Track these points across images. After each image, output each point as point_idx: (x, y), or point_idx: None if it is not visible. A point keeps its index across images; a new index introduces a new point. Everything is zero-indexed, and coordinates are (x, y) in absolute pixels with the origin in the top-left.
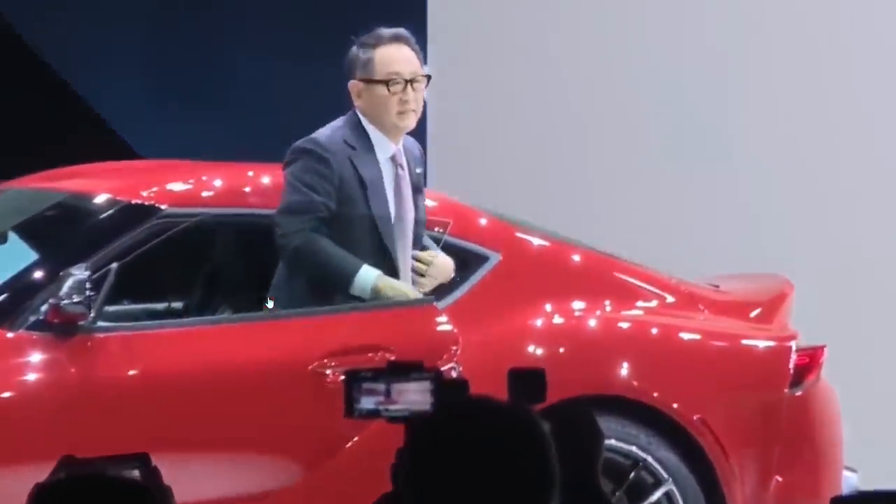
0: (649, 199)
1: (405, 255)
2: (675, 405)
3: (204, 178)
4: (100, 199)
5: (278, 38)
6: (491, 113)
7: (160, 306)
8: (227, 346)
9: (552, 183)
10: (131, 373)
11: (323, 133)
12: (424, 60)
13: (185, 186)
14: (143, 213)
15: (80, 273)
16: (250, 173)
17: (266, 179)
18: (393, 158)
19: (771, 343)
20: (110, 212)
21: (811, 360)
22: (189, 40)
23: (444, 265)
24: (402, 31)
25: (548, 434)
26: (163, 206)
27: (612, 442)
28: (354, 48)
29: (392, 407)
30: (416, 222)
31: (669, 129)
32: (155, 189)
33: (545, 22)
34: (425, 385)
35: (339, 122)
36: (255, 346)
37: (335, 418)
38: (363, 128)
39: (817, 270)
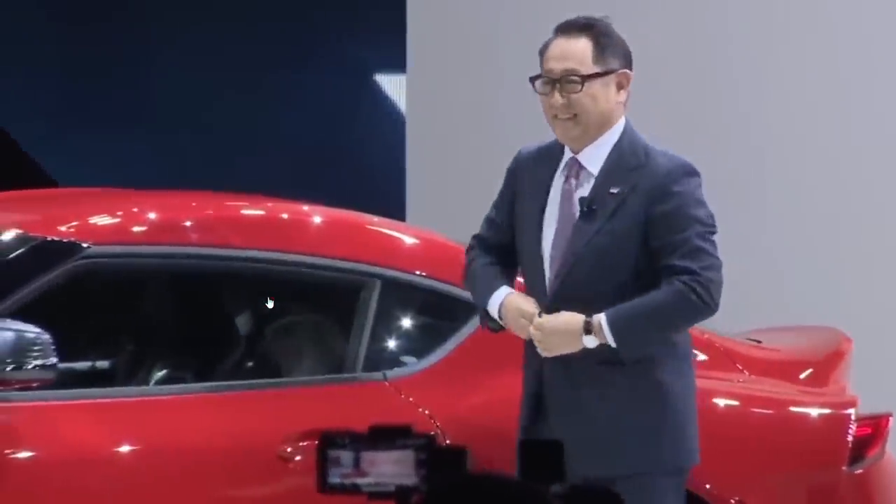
0: None
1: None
2: (707, 486)
3: (135, 209)
4: (8, 234)
5: (215, 49)
6: (471, 116)
7: (81, 367)
8: (164, 423)
9: None
10: (38, 453)
11: None
12: None
13: (113, 220)
14: (61, 251)
15: (39, 335)
16: (193, 204)
17: (210, 211)
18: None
19: (825, 410)
20: (21, 250)
21: (874, 430)
22: (108, 50)
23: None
24: None
25: None
26: (85, 244)
27: None
28: None
29: (373, 480)
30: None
31: (709, 163)
32: (76, 223)
33: (527, 23)
34: (414, 454)
35: None
36: (201, 422)
37: None
38: None
39: (879, 324)
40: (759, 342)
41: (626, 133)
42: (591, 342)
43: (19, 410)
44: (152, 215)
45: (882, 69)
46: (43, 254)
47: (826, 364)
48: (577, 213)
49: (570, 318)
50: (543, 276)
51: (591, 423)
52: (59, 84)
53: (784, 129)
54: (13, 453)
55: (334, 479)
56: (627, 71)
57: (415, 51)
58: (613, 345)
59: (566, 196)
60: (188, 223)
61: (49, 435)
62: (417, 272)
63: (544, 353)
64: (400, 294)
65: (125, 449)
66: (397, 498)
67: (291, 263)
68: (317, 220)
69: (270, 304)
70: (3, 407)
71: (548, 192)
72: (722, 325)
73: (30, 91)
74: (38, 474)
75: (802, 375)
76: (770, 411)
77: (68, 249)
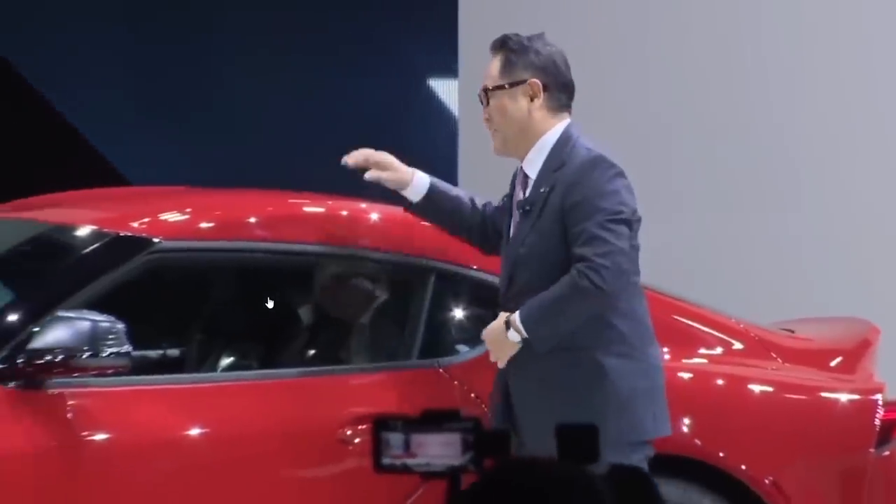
0: (713, 234)
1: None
2: (743, 467)
3: (202, 206)
4: (84, 230)
5: (275, 55)
6: None
7: (152, 355)
8: (230, 407)
9: None
10: (114, 436)
11: None
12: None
13: (182, 217)
14: (133, 246)
15: (113, 324)
16: (256, 201)
17: (272, 208)
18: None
19: (854, 396)
20: (96, 245)
21: None
22: (179, 55)
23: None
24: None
25: (609, 494)
26: (156, 239)
27: None
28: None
29: (423, 461)
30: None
31: (740, 159)
32: (147, 219)
33: (577, 26)
34: (461, 437)
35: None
36: (266, 407)
37: (361, 486)
38: None
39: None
40: (792, 332)
41: (564, 136)
42: (514, 337)
43: (95, 395)
44: (218, 212)
45: None
46: (116, 248)
47: (855, 352)
48: (518, 217)
49: (496, 322)
50: (504, 280)
51: (546, 413)
52: (129, 88)
53: (812, 122)
54: (89, 436)
55: (387, 459)
56: (536, 80)
57: (466, 55)
58: (526, 336)
59: (514, 204)
60: (252, 219)
61: (123, 419)
62: (469, 266)
63: (496, 360)
64: (452, 286)
65: (194, 432)
66: (448, 477)
67: (350, 258)
68: (374, 216)
69: (331, 296)
70: (81, 392)
71: (512, 195)
72: (757, 315)
73: (103, 94)
74: (113, 456)
75: (832, 363)
76: (802, 397)
77: (140, 244)
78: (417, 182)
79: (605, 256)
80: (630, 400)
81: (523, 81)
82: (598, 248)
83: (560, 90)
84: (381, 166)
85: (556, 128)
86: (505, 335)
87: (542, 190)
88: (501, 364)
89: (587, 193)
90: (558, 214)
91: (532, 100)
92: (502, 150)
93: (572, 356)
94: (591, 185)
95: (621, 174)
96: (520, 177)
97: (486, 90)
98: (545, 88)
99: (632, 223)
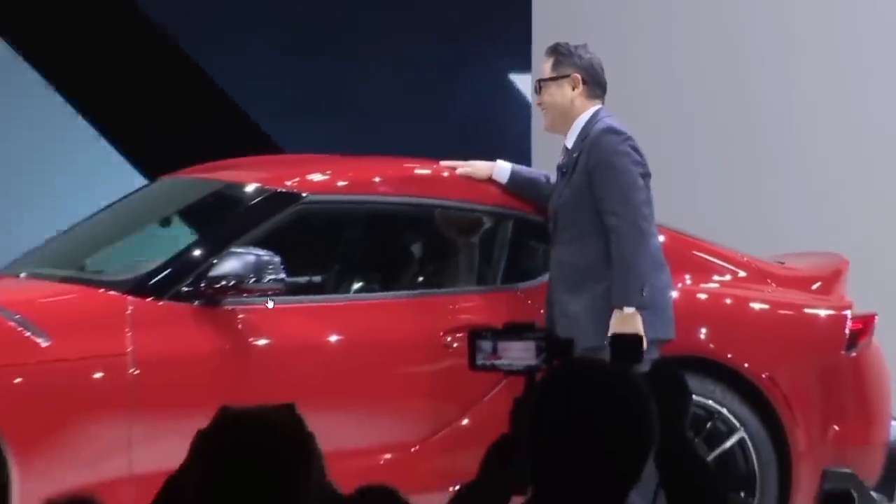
0: (723, 185)
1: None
2: (746, 364)
3: (339, 169)
4: (250, 187)
5: (398, 51)
6: None
7: (301, 281)
8: (360, 320)
9: None
10: (273, 341)
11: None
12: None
13: (324, 177)
14: (286, 199)
15: (272, 257)
16: (380, 165)
17: (391, 171)
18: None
19: (829, 311)
20: (259, 199)
21: (864, 325)
22: (327, 54)
23: None
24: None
25: (648, 390)
26: (304, 194)
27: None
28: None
29: (507, 362)
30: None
31: (741, 118)
32: (297, 179)
33: (647, 21)
34: (535, 343)
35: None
36: (388, 320)
37: (459, 380)
38: None
39: (870, 249)
40: (782, 263)
41: (593, 115)
42: (629, 310)
43: (258, 311)
44: (351, 173)
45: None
46: (274, 201)
47: (830, 279)
48: (559, 177)
49: (613, 320)
50: (551, 224)
51: (565, 316)
52: (287, 81)
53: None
54: (253, 342)
55: (480, 360)
56: (577, 74)
57: (538, 55)
58: (634, 305)
59: (557, 168)
60: (377, 179)
61: (278, 329)
62: (535, 214)
63: (636, 332)
64: (525, 228)
65: (332, 339)
66: (526, 374)
67: (450, 207)
68: (467, 178)
69: (435, 236)
70: (247, 309)
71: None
72: (757, 250)
73: (267, 78)
74: (270, 357)
75: (813, 287)
76: (791, 312)
77: (292, 198)
78: (499, 170)
79: (626, 205)
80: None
81: (567, 76)
82: (617, 206)
83: (595, 85)
84: (468, 167)
85: (589, 110)
86: (623, 317)
87: (574, 155)
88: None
89: (602, 157)
90: (584, 175)
91: (573, 89)
92: (550, 128)
93: (577, 277)
94: (604, 149)
95: (630, 139)
96: (563, 151)
97: (540, 81)
98: (584, 81)
99: (641, 177)
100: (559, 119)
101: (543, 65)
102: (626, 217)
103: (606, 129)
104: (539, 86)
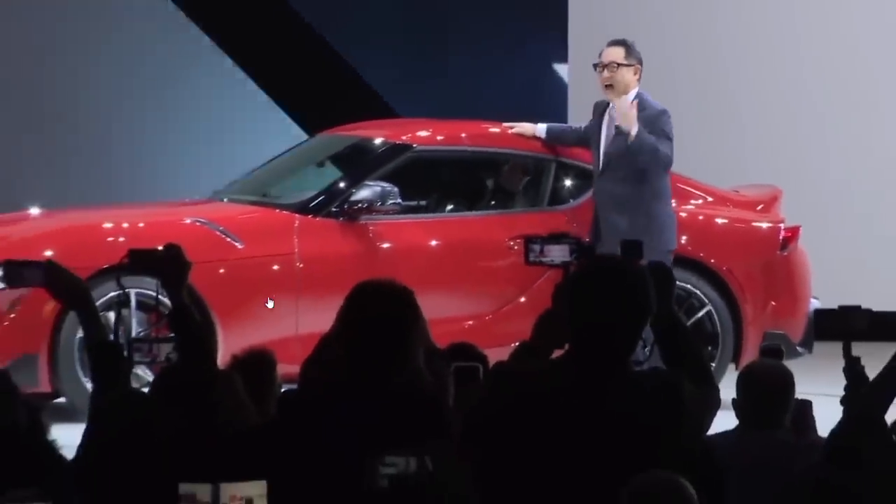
0: (698, 137)
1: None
2: (712, 260)
3: (437, 127)
4: (377, 141)
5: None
6: None
7: (411, 203)
8: (453, 230)
9: None
10: (393, 245)
11: None
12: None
13: (427, 133)
14: (402, 149)
15: (393, 188)
16: (465, 125)
17: (473, 129)
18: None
19: (769, 224)
20: (383, 148)
21: (792, 234)
22: (433, 33)
23: None
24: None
25: (647, 277)
26: (414, 145)
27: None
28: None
29: (549, 259)
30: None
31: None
32: (409, 134)
33: (682, 19)
34: (569, 246)
35: None
36: (472, 230)
37: (518, 271)
38: None
39: (797, 180)
40: (738, 191)
41: (638, 92)
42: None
43: (384, 224)
44: (446, 130)
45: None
46: (393, 150)
47: (769, 203)
48: (613, 130)
49: (624, 107)
50: (598, 159)
51: (612, 227)
52: (401, 50)
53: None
54: (381, 244)
55: (531, 258)
56: (638, 66)
57: (575, 46)
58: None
59: (610, 121)
60: (463, 134)
61: (398, 236)
62: (572, 158)
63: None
64: (564, 169)
65: (434, 243)
66: (563, 268)
67: (512, 155)
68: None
69: (503, 174)
70: (376, 222)
71: (602, 120)
72: (718, 182)
73: (383, 58)
74: (394, 255)
75: (758, 208)
76: (743, 225)
77: (405, 148)
78: (539, 129)
79: (666, 146)
80: (664, 224)
81: (633, 64)
82: (662, 145)
83: (640, 73)
84: (518, 127)
85: (635, 89)
86: (628, 114)
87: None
88: (633, 126)
89: (654, 117)
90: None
91: (635, 74)
92: (615, 96)
93: (634, 206)
94: (654, 115)
95: (666, 112)
96: (607, 112)
97: (617, 64)
98: (638, 70)
99: (671, 138)
100: (621, 92)
101: (612, 52)
102: (661, 147)
103: (654, 106)
104: (616, 67)
